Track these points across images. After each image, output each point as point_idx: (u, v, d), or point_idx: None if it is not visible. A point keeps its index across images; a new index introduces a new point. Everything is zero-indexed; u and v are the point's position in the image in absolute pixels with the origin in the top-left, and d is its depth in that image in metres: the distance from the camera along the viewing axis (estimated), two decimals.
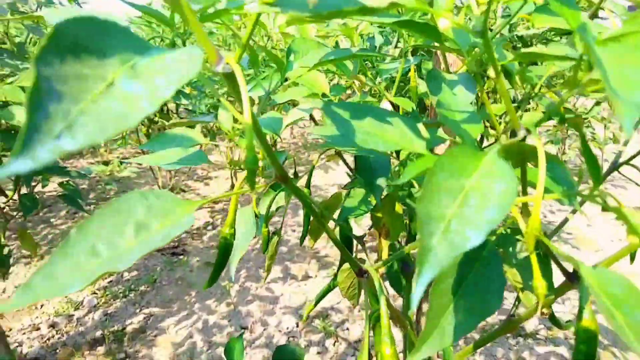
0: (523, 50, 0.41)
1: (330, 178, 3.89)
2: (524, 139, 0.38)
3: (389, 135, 0.37)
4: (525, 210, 0.45)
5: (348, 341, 1.79)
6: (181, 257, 2.59)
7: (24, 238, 1.70)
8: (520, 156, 0.39)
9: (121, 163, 3.51)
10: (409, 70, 0.85)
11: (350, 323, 1.89)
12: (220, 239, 0.44)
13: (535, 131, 0.36)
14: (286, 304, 2.05)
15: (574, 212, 0.55)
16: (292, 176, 0.72)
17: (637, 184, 0.63)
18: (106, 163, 3.90)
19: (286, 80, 0.52)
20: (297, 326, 1.89)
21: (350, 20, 0.77)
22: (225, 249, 0.44)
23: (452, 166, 0.30)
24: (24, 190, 1.55)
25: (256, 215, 0.71)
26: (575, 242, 2.63)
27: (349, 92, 0.91)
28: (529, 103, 0.52)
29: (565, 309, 1.96)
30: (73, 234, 0.34)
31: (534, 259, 0.33)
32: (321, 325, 1.87)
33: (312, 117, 0.80)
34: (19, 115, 1.21)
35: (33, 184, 1.58)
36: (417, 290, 0.24)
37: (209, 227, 3.01)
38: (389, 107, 0.69)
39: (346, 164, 0.84)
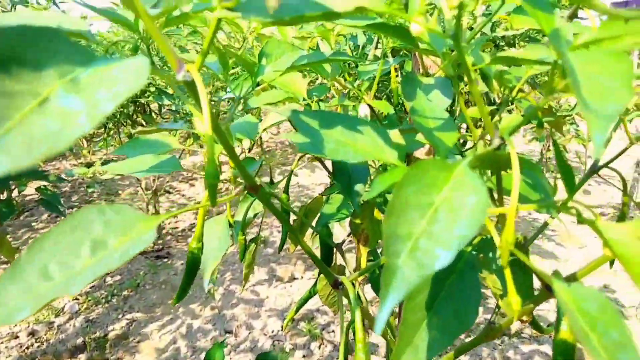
0: (499, 54, 0.39)
1: (317, 177, 3.87)
2: (499, 147, 0.37)
3: (359, 145, 0.36)
4: (501, 220, 0.44)
5: (334, 344, 1.78)
6: (165, 260, 2.55)
7: (2, 244, 1.66)
8: (495, 165, 0.38)
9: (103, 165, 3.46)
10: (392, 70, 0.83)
11: (336, 325, 1.88)
12: (188, 254, 0.43)
13: (510, 140, 0.34)
14: (271, 307, 2.03)
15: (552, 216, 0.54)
16: (270, 182, 0.70)
17: (616, 187, 0.62)
18: (89, 165, 3.84)
19: (258, 85, 0.50)
20: (283, 329, 1.88)
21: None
22: (192, 264, 0.43)
23: (422, 180, 0.29)
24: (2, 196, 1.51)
25: (231, 225, 0.69)
26: (560, 239, 2.65)
27: (333, 91, 0.89)
28: (510, 104, 0.51)
29: (550, 306, 1.98)
30: (24, 254, 0.32)
31: (508, 275, 0.32)
32: (306, 327, 1.86)
33: (291, 122, 0.78)
34: None
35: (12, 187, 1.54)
36: (382, 315, 0.23)
37: (194, 230, 2.98)
38: (368, 110, 0.68)
39: (325, 167, 0.82)
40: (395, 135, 0.48)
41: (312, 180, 3.82)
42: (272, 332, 1.86)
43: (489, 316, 1.88)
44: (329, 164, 0.80)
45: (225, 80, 0.49)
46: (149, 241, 0.35)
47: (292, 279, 2.28)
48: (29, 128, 0.19)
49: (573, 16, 0.64)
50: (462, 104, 0.44)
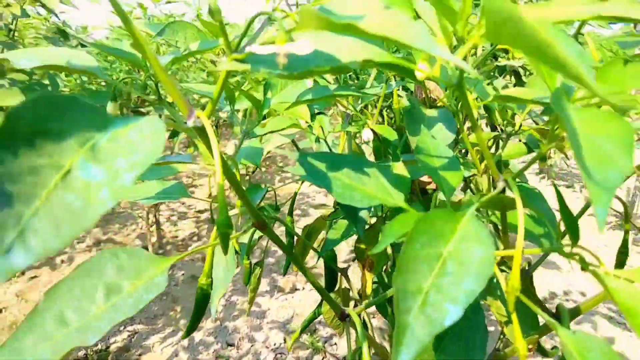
0: (502, 92, 0.40)
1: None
2: (503, 190, 0.37)
3: (366, 188, 0.37)
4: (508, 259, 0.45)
5: (336, 357, 1.78)
6: None
7: None
8: (500, 206, 0.39)
9: None
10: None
11: (338, 338, 1.88)
12: (198, 290, 0.43)
13: (514, 185, 0.35)
14: (273, 319, 2.03)
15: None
16: (275, 207, 0.70)
17: (616, 210, 0.62)
18: None
19: (264, 118, 0.51)
20: (285, 342, 1.88)
21: None
22: (202, 299, 0.43)
23: (429, 232, 0.29)
24: None
25: (237, 252, 0.70)
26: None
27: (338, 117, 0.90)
28: (516, 133, 0.52)
29: None
30: (41, 302, 0.33)
31: (514, 320, 0.33)
32: (309, 340, 1.86)
33: (294, 143, 0.79)
34: None
35: None
36: None
37: (195, 238, 2.98)
38: (371, 135, 0.68)
39: None
40: (399, 167, 0.48)
41: (313, 188, 3.82)
42: (275, 344, 1.86)
43: (492, 328, 1.89)
44: None
45: (231, 118, 0.49)
46: (162, 286, 0.35)
47: (294, 289, 2.28)
48: (55, 206, 0.20)
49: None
50: (466, 138, 0.45)
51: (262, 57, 0.31)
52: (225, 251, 0.32)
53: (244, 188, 0.55)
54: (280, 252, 2.66)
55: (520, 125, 0.48)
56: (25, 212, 0.19)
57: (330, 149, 0.71)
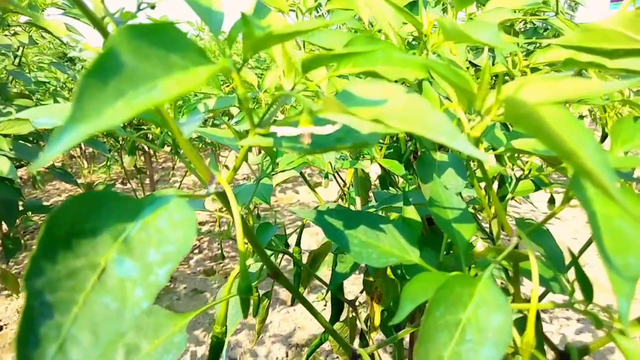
0: (514, 143, 0.41)
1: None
2: (516, 246, 0.38)
3: (382, 246, 0.37)
4: (516, 297, 0.46)
5: None
6: (168, 284, 2.55)
7: (6, 278, 1.66)
8: (514, 260, 0.40)
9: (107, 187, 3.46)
10: None
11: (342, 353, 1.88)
12: (212, 338, 0.44)
13: (528, 241, 0.36)
14: (275, 332, 2.03)
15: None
16: (285, 243, 0.71)
17: None
18: (90, 186, 3.84)
19: (277, 164, 0.52)
20: (287, 356, 1.88)
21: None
22: (217, 347, 0.44)
23: (448, 299, 0.30)
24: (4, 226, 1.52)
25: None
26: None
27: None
28: (525, 177, 0.53)
29: (552, 328, 1.99)
30: None
31: None
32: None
33: (302, 174, 0.80)
34: (2, 165, 1.18)
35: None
36: None
37: (196, 251, 2.98)
38: (379, 170, 0.69)
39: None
40: (410, 212, 0.49)
41: (312, 197, 3.83)
42: (277, 359, 1.86)
43: None
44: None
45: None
46: (182, 346, 0.36)
47: (295, 302, 2.28)
48: (93, 311, 0.20)
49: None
50: (476, 185, 0.46)
51: (284, 134, 0.32)
52: (246, 315, 0.33)
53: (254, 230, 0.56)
54: (281, 263, 2.66)
55: (530, 170, 0.49)
56: (65, 321, 0.19)
57: (338, 181, 0.71)
